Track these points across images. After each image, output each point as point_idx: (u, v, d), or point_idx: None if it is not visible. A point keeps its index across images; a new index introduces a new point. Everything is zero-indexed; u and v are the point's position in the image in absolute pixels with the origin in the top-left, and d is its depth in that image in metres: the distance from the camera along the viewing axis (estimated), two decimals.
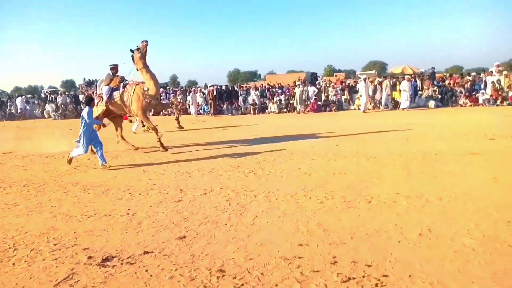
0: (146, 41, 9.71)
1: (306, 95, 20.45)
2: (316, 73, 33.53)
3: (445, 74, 28.02)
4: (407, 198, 5.05)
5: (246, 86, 25.46)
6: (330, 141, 10.16)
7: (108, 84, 10.15)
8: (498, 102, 17.37)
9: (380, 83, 19.42)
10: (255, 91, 22.55)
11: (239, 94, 22.35)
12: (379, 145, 9.11)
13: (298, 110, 20.01)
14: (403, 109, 17.97)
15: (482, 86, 18.72)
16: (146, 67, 9.73)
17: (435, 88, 19.07)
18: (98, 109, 10.04)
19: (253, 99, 21.63)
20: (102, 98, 10.05)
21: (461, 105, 18.05)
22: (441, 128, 11.24)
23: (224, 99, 21.90)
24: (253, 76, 76.79)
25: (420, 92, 19.15)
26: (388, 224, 4.24)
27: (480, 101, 17.86)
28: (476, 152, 7.58)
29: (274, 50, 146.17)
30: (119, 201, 5.75)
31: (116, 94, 9.94)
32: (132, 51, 9.83)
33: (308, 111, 19.89)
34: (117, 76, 10.31)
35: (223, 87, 24.49)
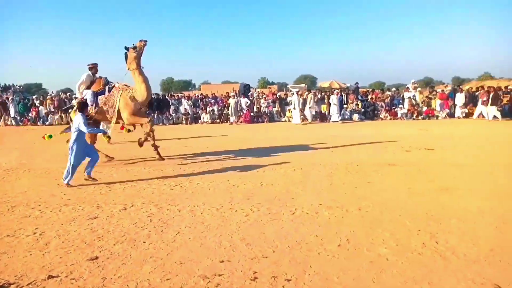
0: (145, 41, 8.77)
1: (239, 106, 20.57)
2: (249, 85, 33.95)
3: (368, 89, 29.96)
4: (329, 209, 5.18)
5: (178, 95, 24.97)
6: (262, 152, 10.21)
7: (88, 87, 8.99)
8: (414, 116, 18.88)
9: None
10: (188, 100, 22.18)
11: (170, 104, 21.81)
12: (305, 156, 9.34)
13: (231, 121, 20.01)
14: (334, 121, 18.74)
15: (401, 101, 20.28)
16: (139, 68, 8.83)
17: (358, 102, 20.24)
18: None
19: (185, 109, 21.25)
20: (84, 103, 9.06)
21: (382, 119, 19.33)
22: (363, 140, 11.86)
23: (155, 108, 21.22)
24: (187, 85, 75.71)
25: (345, 106, 20.17)
26: (309, 235, 4.29)
27: (399, 115, 19.28)
28: (394, 163, 8.07)
29: (209, 60, 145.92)
30: (26, 219, 5.18)
31: (102, 99, 8.81)
32: (126, 48, 8.79)
33: (241, 122, 19.98)
34: (100, 77, 9.15)
35: (154, 96, 23.72)
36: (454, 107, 19.10)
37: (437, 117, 18.88)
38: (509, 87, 20.08)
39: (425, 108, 19.43)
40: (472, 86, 27.62)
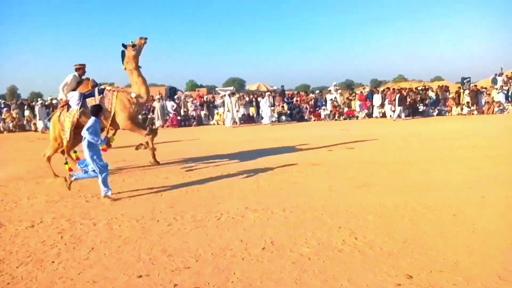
0: (146, 38, 8.05)
1: (166, 110, 19.98)
2: (175, 87, 33.15)
3: (294, 91, 30.96)
4: (255, 212, 5.15)
5: None
6: (190, 156, 9.94)
7: (74, 89, 7.99)
8: (336, 117, 19.87)
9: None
10: None
11: None
12: (233, 159, 9.28)
13: (157, 125, 19.33)
14: (265, 124, 18.97)
15: (324, 103, 21.22)
16: (138, 68, 8.11)
17: (284, 105, 20.79)
18: (65, 122, 7.78)
19: None
20: (68, 107, 7.87)
21: (307, 120, 20.05)
22: (289, 141, 12.13)
23: None
24: None
25: (272, 108, 20.57)
26: (234, 240, 4.20)
27: (322, 116, 20.14)
28: (317, 163, 8.33)
29: None
30: None
31: (91, 102, 7.71)
32: (124, 46, 8.04)
33: (168, 126, 19.41)
34: (88, 79, 8.20)
35: None
36: (372, 108, 20.45)
37: (357, 117, 20.06)
38: (418, 88, 22.03)
39: (346, 109, 20.55)
40: (389, 87, 29.90)
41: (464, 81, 23.84)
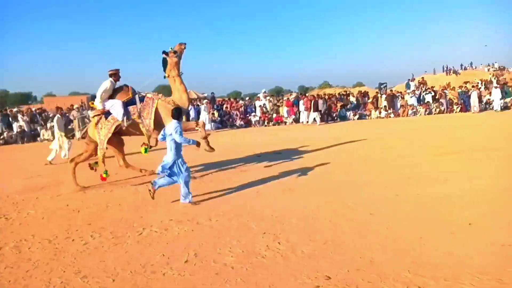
0: (185, 44, 7.85)
1: (87, 120, 18.82)
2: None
3: (225, 98, 31.06)
4: (179, 224, 5.00)
5: (12, 111, 21.55)
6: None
7: (110, 97, 7.60)
8: (266, 123, 20.24)
9: None
10: (23, 116, 19.27)
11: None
12: None
13: (77, 136, 18.12)
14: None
15: (253, 109, 21.53)
16: (180, 75, 7.88)
17: (214, 112, 20.71)
18: (103, 131, 7.47)
19: (20, 126, 18.41)
20: (104, 115, 7.53)
21: (237, 127, 20.16)
22: (221, 149, 12.06)
23: None
24: (26, 98, 66.14)
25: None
26: (156, 256, 4.03)
27: (253, 122, 20.39)
28: (245, 170, 8.37)
29: (53, 69, 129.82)
30: None
31: (132, 110, 7.53)
32: (166, 53, 7.74)
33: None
34: (126, 85, 7.83)
35: None
36: (299, 113, 21.15)
37: (285, 123, 20.61)
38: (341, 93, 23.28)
39: (275, 115, 21.03)
40: (314, 93, 31.29)
41: (381, 86, 25.75)
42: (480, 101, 21.65)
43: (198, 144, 6.31)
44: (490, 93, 22.47)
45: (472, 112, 20.92)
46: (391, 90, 26.33)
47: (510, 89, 23.98)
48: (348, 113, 21.50)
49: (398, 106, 22.24)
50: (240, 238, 4.38)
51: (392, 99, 22.41)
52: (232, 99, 24.89)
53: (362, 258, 3.73)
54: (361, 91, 26.96)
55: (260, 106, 21.12)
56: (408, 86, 28.04)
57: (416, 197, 5.81)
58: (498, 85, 23.09)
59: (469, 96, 21.96)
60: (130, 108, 7.64)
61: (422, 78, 36.04)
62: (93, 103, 7.96)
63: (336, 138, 13.59)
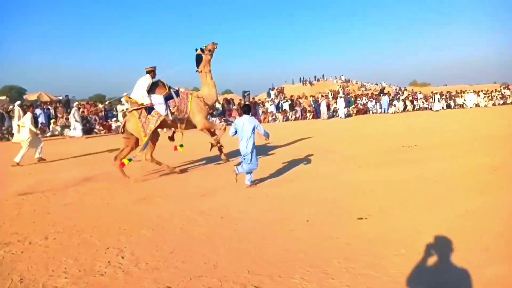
0: (217, 44, 8.72)
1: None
2: None
3: (89, 101, 28.48)
4: (6, 246, 4.33)
5: None
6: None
7: (149, 92, 7.93)
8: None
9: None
10: None
11: None
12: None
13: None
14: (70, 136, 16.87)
15: (114, 113, 20.27)
16: (210, 72, 8.83)
17: (68, 116, 18.81)
18: (148, 124, 7.77)
19: None
20: (145, 110, 7.82)
21: (96, 133, 18.72)
22: (71, 157, 10.97)
23: None
24: None
25: (53, 121, 18.33)
26: None
27: (113, 127, 19.16)
28: (96, 180, 7.76)
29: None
30: None
31: (172, 104, 8.13)
32: (202, 50, 8.63)
33: None
34: (161, 81, 8.25)
35: None
36: None
37: None
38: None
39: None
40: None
41: (245, 94, 27.09)
42: (328, 109, 24.58)
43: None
44: (336, 102, 25.73)
45: (322, 119, 23.60)
46: (253, 98, 27.89)
47: (352, 99, 27.89)
48: (214, 119, 21.95)
49: (260, 113, 23.68)
50: (79, 256, 4.00)
51: (254, 106, 23.73)
52: (89, 103, 22.95)
53: (207, 263, 3.78)
54: (227, 98, 27.86)
55: (122, 110, 19.99)
56: (269, 94, 30.16)
57: (265, 198, 6.16)
58: (343, 96, 26.60)
59: (319, 105, 24.75)
60: (170, 102, 8.12)
61: (282, 87, 39.23)
62: (129, 98, 8.02)
63: (196, 143, 13.73)
